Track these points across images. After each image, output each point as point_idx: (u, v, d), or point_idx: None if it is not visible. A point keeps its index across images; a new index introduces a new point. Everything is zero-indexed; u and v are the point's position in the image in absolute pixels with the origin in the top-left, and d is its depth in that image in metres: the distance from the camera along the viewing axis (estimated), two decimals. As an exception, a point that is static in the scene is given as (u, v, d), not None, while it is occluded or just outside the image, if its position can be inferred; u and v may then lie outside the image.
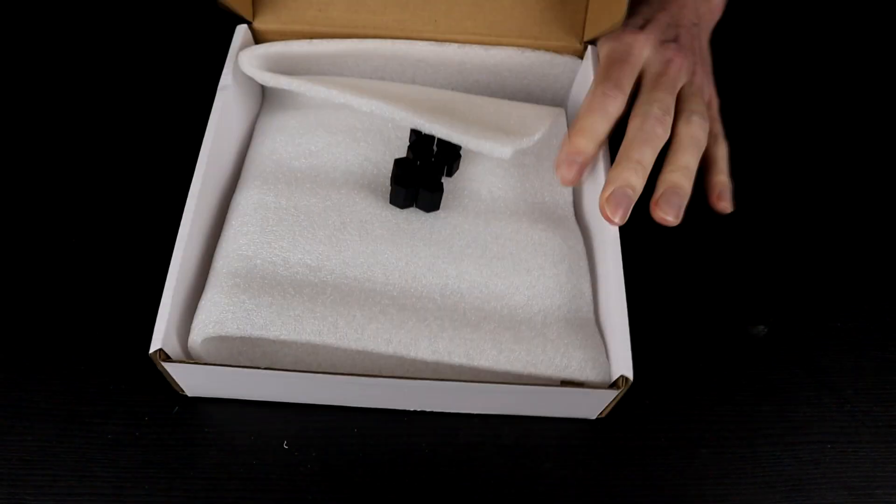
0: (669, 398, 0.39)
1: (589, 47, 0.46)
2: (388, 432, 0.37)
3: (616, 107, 0.40)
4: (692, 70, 0.43)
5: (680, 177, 0.39)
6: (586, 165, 0.40)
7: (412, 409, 0.38)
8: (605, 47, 0.44)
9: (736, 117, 0.51)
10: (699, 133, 0.40)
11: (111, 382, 0.38)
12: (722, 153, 0.44)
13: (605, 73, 0.42)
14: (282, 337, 0.35)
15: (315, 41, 0.45)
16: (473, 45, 0.46)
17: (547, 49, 0.46)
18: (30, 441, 0.36)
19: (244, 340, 0.37)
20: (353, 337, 0.35)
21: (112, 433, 0.37)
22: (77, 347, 0.39)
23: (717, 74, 0.52)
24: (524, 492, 0.36)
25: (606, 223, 0.38)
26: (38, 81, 0.50)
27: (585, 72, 0.45)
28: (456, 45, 0.46)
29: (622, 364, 0.34)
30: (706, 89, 0.44)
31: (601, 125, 0.40)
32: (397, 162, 0.40)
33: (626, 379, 0.34)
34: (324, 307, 0.36)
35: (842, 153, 0.50)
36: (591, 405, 0.37)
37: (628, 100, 0.41)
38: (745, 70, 0.54)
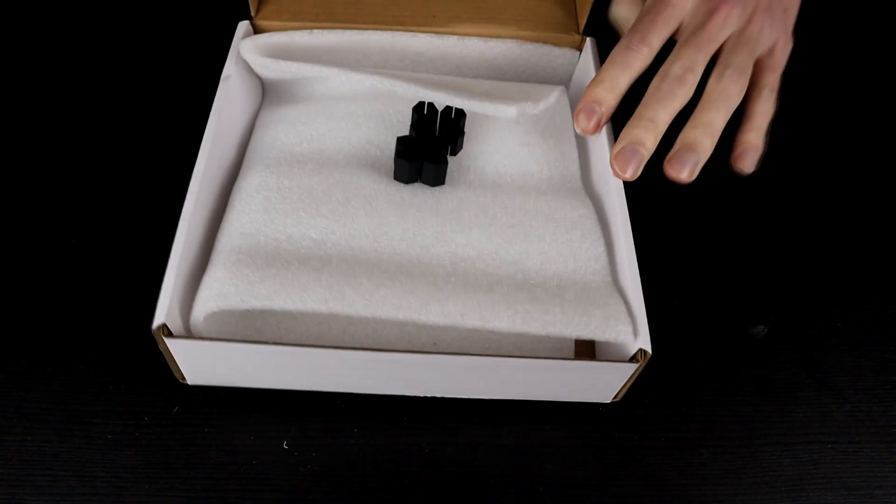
0: (669, 398, 0.39)
1: (587, 39, 0.46)
2: (388, 432, 0.37)
3: (640, 61, 0.39)
4: (747, 16, 0.39)
5: (699, 134, 0.37)
6: (606, 118, 0.39)
7: (420, 396, 0.38)
8: None
9: (736, 118, 0.51)
10: (731, 87, 0.38)
11: (111, 382, 0.38)
12: (762, 109, 0.41)
13: (635, 26, 0.40)
14: (287, 307, 0.33)
15: (315, 32, 0.45)
16: (473, 38, 0.46)
17: (546, 41, 0.46)
18: (30, 441, 0.36)
19: (247, 319, 0.37)
20: (362, 304, 0.34)
21: (112, 433, 0.37)
22: (77, 347, 0.39)
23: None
24: (524, 492, 0.36)
25: (615, 203, 0.38)
26: (44, 75, 0.50)
27: (584, 64, 0.46)
28: (455, 37, 0.46)
29: (640, 338, 0.34)
30: (765, 37, 0.40)
31: (622, 77, 0.39)
32: (400, 139, 0.40)
33: (645, 352, 0.33)
34: (330, 276, 0.35)
35: (842, 154, 0.50)
36: (609, 383, 0.36)
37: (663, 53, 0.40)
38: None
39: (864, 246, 0.46)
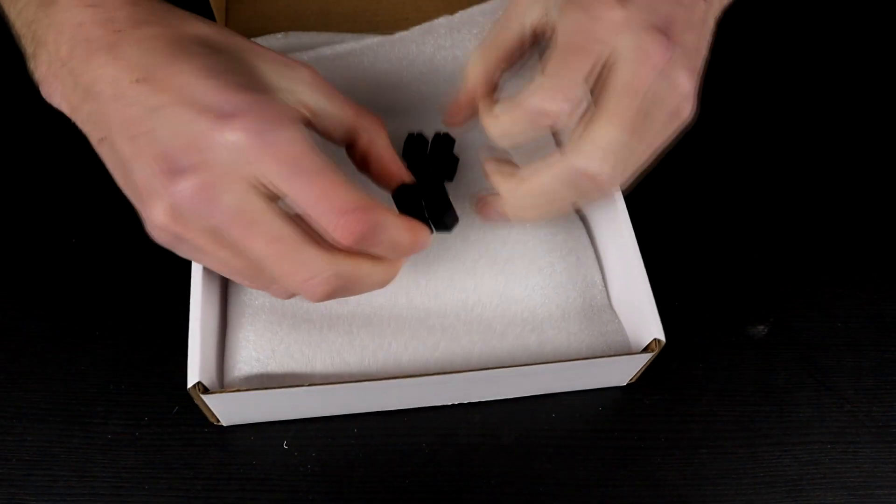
0: (669, 398, 0.39)
1: None
2: (388, 432, 0.37)
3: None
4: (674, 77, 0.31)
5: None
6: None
7: (449, 404, 0.38)
8: (564, 21, 0.31)
9: (736, 119, 0.51)
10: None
11: (111, 382, 0.38)
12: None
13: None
14: (325, 371, 0.35)
15: (291, 34, 0.45)
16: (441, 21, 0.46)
17: None
18: (30, 441, 0.36)
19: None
20: (393, 364, 0.36)
21: (112, 433, 0.37)
22: (77, 347, 0.39)
23: (716, 80, 0.51)
24: (524, 492, 0.36)
25: (609, 206, 0.39)
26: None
27: None
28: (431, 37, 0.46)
29: (653, 328, 0.35)
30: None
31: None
32: (399, 191, 0.35)
33: (659, 341, 0.35)
34: (361, 339, 0.36)
35: (841, 154, 0.50)
36: (624, 371, 0.38)
37: None
38: (744, 72, 0.54)
39: (864, 246, 0.46)
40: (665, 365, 0.40)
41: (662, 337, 0.35)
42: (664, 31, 0.30)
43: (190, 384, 0.32)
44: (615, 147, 0.29)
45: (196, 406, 0.37)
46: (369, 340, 0.36)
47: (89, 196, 0.45)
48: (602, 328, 0.38)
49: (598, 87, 0.30)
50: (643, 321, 0.36)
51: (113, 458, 0.36)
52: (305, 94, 0.30)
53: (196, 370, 0.32)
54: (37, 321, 0.40)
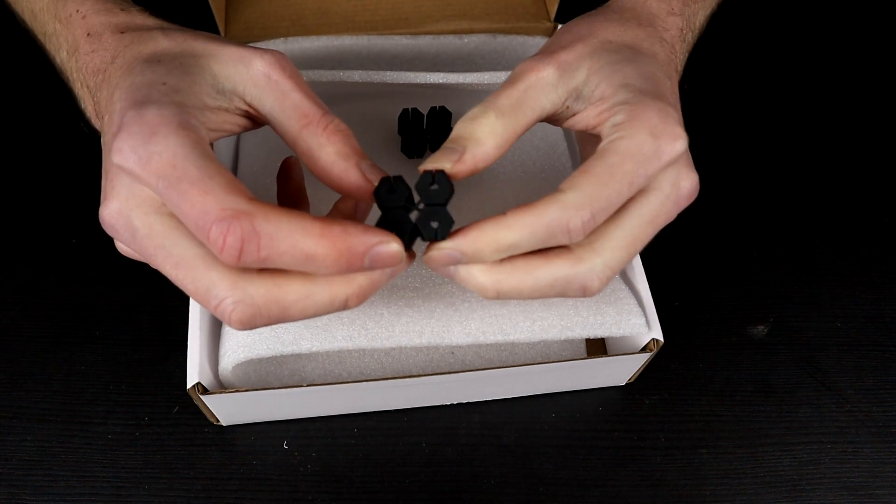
0: (669, 398, 0.40)
1: (559, 26, 0.46)
2: (388, 432, 0.37)
3: None
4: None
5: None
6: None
7: (448, 403, 0.38)
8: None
9: (736, 119, 0.51)
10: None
11: (111, 382, 0.38)
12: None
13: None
14: (313, 349, 0.34)
15: (290, 39, 0.45)
16: (447, 35, 0.46)
17: (518, 31, 0.46)
18: (30, 441, 0.36)
19: (271, 360, 0.37)
20: (385, 335, 0.34)
21: (112, 433, 0.37)
22: (77, 347, 0.39)
23: (710, 79, 0.52)
24: (524, 492, 0.36)
25: None
26: (39, 82, 0.50)
27: None
28: (430, 36, 0.46)
29: (652, 328, 0.35)
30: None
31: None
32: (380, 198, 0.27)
33: (658, 341, 0.35)
34: (350, 311, 0.35)
35: (840, 154, 0.50)
36: (622, 371, 0.38)
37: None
38: (745, 71, 0.54)
39: (864, 246, 0.46)
40: (665, 365, 0.40)
41: (661, 337, 0.35)
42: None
43: (189, 385, 0.32)
44: (618, 267, 0.28)
45: (196, 406, 0.37)
46: (359, 312, 0.35)
47: (89, 196, 0.45)
48: (613, 296, 0.36)
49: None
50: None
51: (113, 458, 0.36)
52: (251, 93, 0.28)
53: (195, 371, 0.33)
54: (37, 321, 0.40)
